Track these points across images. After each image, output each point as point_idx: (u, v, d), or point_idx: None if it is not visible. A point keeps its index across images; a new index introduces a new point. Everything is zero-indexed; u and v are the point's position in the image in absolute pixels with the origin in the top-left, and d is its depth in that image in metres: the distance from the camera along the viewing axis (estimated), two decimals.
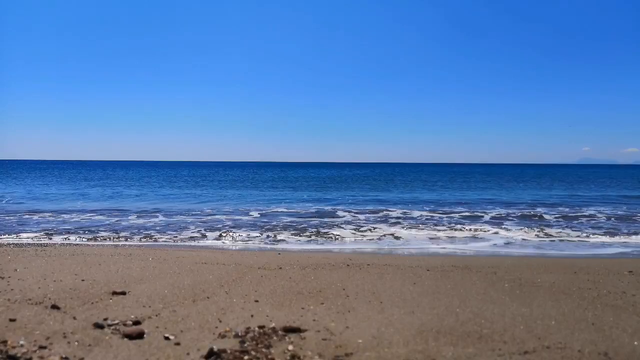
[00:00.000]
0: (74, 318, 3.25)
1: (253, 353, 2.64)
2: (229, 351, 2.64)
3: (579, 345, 2.88)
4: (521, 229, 11.65)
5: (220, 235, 10.17)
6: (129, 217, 13.53)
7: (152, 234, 10.21)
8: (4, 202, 18.47)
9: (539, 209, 16.59)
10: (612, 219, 13.92)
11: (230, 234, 10.44)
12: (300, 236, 10.28)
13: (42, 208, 16.03)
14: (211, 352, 2.61)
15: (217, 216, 14.12)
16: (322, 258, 6.70)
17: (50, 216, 13.63)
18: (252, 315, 3.46)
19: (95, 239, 9.46)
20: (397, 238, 10.25)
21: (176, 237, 9.91)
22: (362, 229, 11.63)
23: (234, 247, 8.71)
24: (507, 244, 9.62)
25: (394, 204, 18.95)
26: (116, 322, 3.18)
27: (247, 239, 9.84)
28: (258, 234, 10.45)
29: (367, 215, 14.79)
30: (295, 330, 3.08)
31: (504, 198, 22.19)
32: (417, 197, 23.01)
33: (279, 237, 10.06)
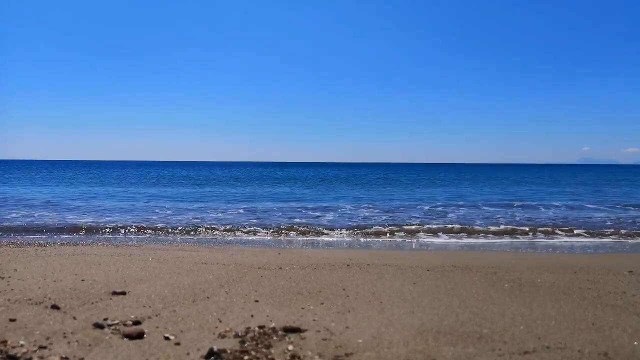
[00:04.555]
0: (74, 318, 3.25)
1: (253, 353, 2.64)
2: (229, 351, 2.65)
3: (579, 345, 2.88)
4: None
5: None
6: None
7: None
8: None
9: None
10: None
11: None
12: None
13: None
14: (211, 352, 2.61)
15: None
16: (322, 258, 6.70)
17: None
18: (252, 315, 3.46)
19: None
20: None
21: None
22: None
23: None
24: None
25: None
26: (116, 322, 3.18)
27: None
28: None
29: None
30: (295, 330, 3.09)
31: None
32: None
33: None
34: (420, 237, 10.65)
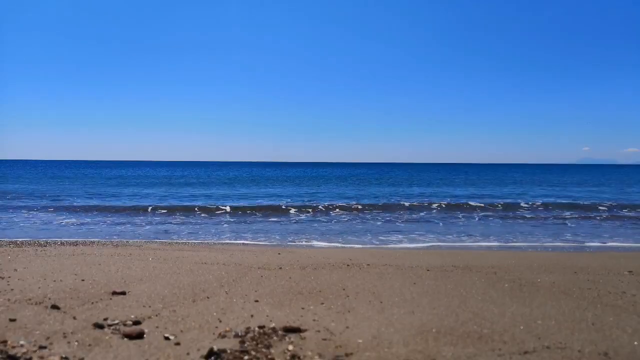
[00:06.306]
0: (74, 318, 3.25)
1: (253, 353, 2.64)
2: (229, 351, 2.64)
3: (579, 345, 2.88)
4: None
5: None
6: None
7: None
8: None
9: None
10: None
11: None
12: None
13: None
14: (211, 352, 2.61)
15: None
16: (322, 258, 6.70)
17: None
18: (252, 315, 3.46)
19: None
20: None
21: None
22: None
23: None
24: None
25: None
26: (116, 322, 3.18)
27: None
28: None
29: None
30: (295, 330, 3.08)
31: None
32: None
33: None
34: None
